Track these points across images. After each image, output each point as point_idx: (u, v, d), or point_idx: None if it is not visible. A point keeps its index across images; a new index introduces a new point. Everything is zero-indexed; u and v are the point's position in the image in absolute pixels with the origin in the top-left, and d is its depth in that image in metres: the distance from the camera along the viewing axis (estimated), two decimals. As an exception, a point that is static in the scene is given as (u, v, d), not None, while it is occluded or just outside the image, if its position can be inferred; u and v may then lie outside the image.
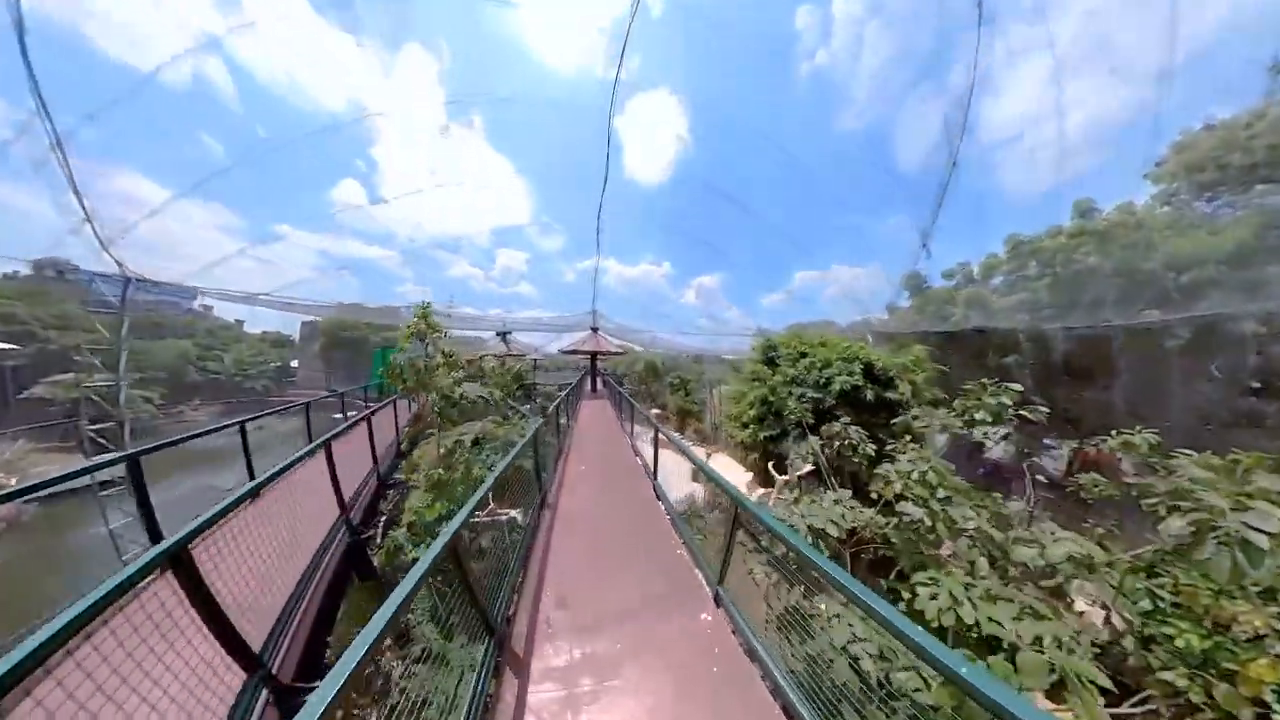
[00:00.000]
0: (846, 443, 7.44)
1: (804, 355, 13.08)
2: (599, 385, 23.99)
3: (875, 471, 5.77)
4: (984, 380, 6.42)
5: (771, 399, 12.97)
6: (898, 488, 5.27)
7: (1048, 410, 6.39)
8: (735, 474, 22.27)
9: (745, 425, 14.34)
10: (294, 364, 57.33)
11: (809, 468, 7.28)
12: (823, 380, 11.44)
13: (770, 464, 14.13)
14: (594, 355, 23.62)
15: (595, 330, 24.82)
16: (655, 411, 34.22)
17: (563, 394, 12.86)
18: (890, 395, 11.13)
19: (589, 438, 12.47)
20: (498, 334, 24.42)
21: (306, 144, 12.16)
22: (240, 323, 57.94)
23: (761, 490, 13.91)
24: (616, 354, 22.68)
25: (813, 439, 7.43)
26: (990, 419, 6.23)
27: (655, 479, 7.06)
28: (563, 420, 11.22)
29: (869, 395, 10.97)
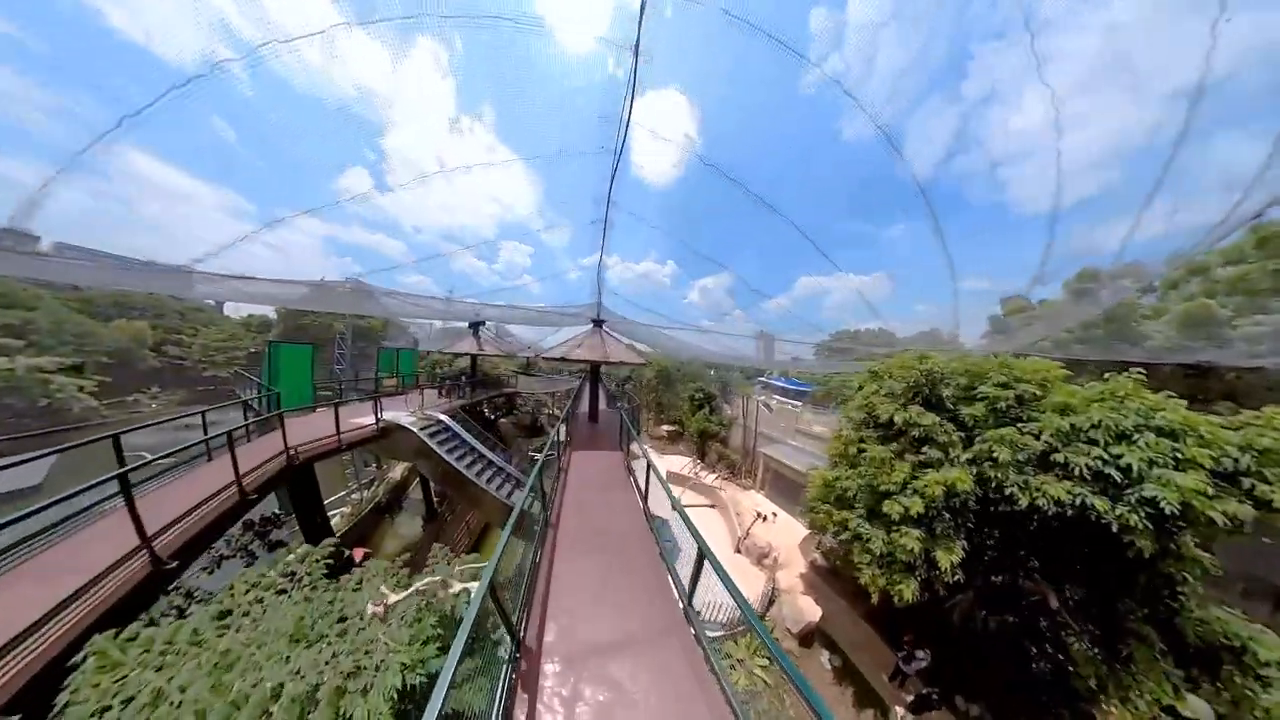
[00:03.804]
0: None
1: (1022, 401, 7.45)
2: (601, 404, 17.55)
3: None
4: None
5: (965, 492, 7.21)
6: None
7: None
8: (794, 529, 16.76)
9: (874, 516, 8.35)
10: (268, 350, 54.18)
11: None
12: (1124, 476, 5.80)
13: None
14: (596, 365, 17.06)
15: (600, 324, 17.98)
16: (667, 428, 28.49)
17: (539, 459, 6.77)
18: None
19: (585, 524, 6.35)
20: (469, 325, 17.91)
21: (315, 128, 10.79)
22: (218, 304, 54.35)
23: None
24: (638, 364, 16.32)
25: None
26: None
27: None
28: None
29: (1216, 518, 5.46)
